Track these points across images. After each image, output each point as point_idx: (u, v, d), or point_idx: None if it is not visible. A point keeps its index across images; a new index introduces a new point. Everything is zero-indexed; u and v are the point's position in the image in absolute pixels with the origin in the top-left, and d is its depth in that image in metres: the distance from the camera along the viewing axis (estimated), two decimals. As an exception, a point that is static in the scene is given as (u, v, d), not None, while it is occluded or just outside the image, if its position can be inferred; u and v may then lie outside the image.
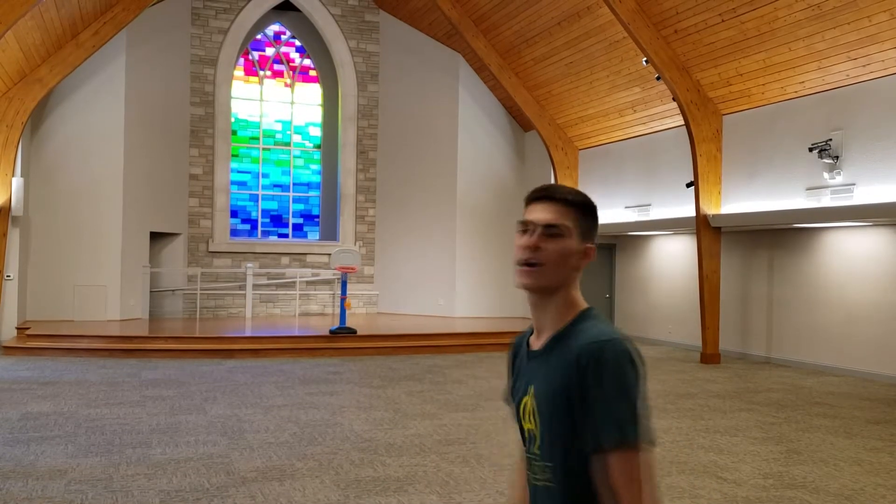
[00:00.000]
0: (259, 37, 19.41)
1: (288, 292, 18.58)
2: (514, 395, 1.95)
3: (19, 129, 13.42)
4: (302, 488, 5.78)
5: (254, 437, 7.40)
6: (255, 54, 19.43)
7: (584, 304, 1.87)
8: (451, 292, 18.36)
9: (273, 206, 19.57)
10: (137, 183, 16.25)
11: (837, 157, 11.37)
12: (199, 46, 18.00)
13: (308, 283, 18.86)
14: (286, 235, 19.58)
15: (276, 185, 19.59)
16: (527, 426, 1.87)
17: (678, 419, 8.59)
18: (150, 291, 17.00)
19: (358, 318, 17.84)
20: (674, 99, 13.32)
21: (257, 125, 19.43)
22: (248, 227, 19.32)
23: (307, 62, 19.86)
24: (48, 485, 5.75)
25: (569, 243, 1.87)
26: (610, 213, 16.34)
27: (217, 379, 10.88)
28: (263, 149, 19.48)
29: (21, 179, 13.73)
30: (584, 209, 1.96)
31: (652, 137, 15.30)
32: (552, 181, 17.34)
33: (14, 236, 13.93)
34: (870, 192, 10.92)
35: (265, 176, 19.50)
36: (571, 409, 1.72)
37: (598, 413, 1.69)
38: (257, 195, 19.41)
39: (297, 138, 19.78)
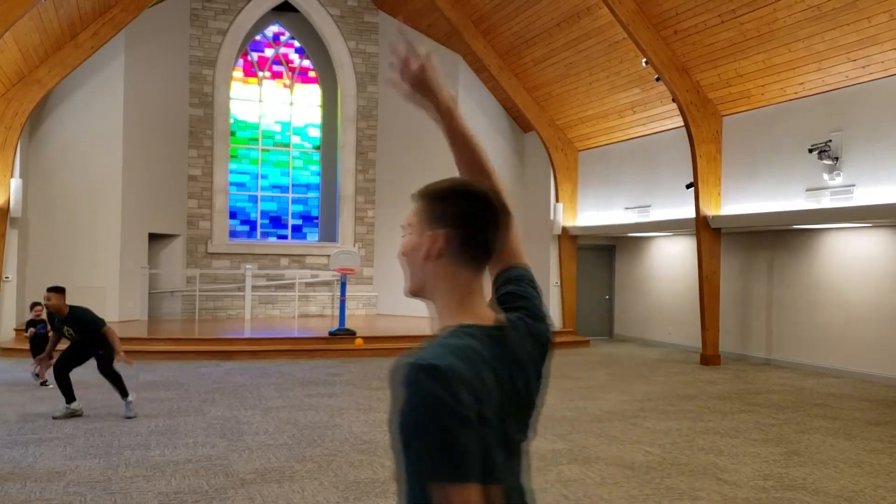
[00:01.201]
0: (258, 38, 19.40)
1: (287, 294, 18.56)
2: None
3: (18, 130, 13.41)
4: (301, 490, 5.76)
5: (253, 438, 7.39)
6: (254, 55, 19.42)
7: (463, 319, 1.63)
8: (450, 293, 18.32)
9: (272, 207, 19.56)
10: (136, 184, 16.23)
11: (837, 159, 11.36)
12: (198, 47, 17.99)
13: (307, 284, 18.84)
14: (285, 237, 19.56)
15: (275, 187, 19.58)
16: None
17: (678, 420, 8.57)
18: (149, 293, 16.98)
19: (357, 319, 17.82)
20: (673, 100, 13.31)
21: (256, 126, 19.42)
22: (247, 228, 19.30)
23: (306, 63, 19.85)
24: (47, 487, 5.73)
25: (411, 238, 1.68)
26: (609, 215, 16.33)
27: (216, 380, 10.86)
28: (262, 150, 19.46)
29: (20, 180, 13.71)
30: (429, 196, 1.70)
31: (652, 138, 15.30)
32: (552, 182, 17.34)
33: (12, 237, 13.92)
34: (869, 194, 10.91)
35: (264, 177, 19.48)
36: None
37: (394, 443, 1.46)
38: (256, 196, 19.39)
39: (296, 139, 19.77)
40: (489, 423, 1.50)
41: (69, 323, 8.30)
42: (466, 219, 1.65)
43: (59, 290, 8.26)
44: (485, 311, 1.69)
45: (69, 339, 8.47)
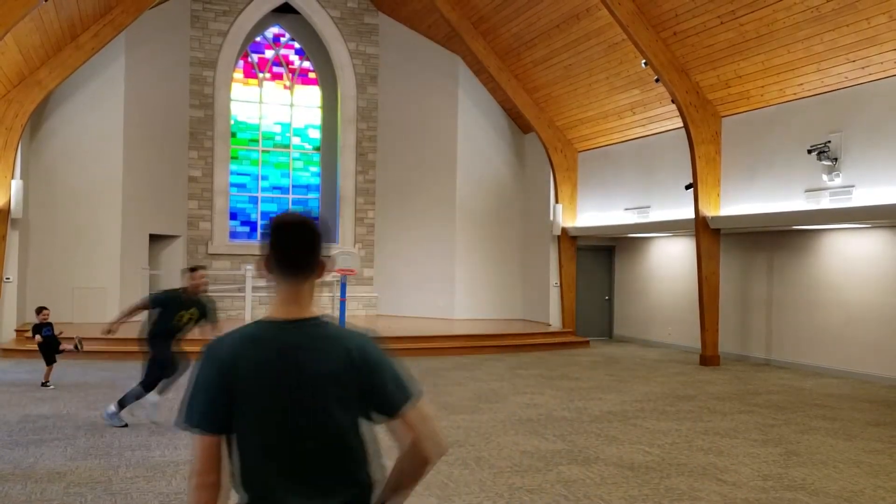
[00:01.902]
0: (258, 39, 19.42)
1: (287, 294, 18.55)
2: None
3: (19, 132, 13.42)
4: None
5: (253, 439, 7.38)
6: (255, 56, 19.44)
7: (267, 315, 2.13)
8: (450, 294, 18.35)
9: (272, 208, 19.57)
10: (137, 185, 16.25)
11: (836, 159, 11.38)
12: (199, 49, 18.01)
13: (307, 285, 18.82)
14: (285, 237, 19.54)
15: (275, 188, 19.59)
16: None
17: (678, 421, 8.59)
18: (150, 294, 16.97)
19: (357, 320, 17.83)
20: (673, 101, 13.33)
21: (256, 127, 19.43)
22: (247, 229, 19.32)
23: (306, 64, 19.87)
24: (47, 487, 5.75)
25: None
26: (609, 216, 16.35)
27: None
28: (263, 151, 19.48)
29: (20, 181, 13.72)
30: (262, 228, 2.23)
31: (651, 139, 15.31)
32: (552, 183, 17.36)
33: (13, 238, 13.92)
34: (869, 194, 10.92)
35: (264, 178, 19.50)
36: None
37: None
38: (256, 197, 19.41)
39: (296, 140, 19.78)
40: (236, 390, 2.01)
41: (198, 305, 7.76)
42: (274, 245, 2.07)
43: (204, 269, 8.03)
44: (288, 308, 2.08)
45: (183, 323, 7.74)
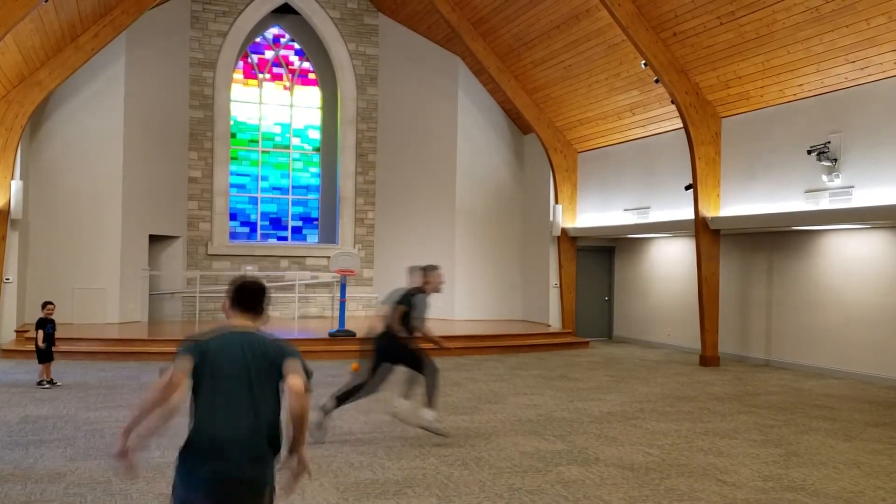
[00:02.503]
0: (258, 40, 19.43)
1: (287, 295, 18.57)
2: None
3: (18, 132, 13.43)
4: (301, 491, 5.77)
5: (253, 440, 7.38)
6: (255, 57, 19.44)
7: (227, 326, 3.56)
8: (450, 295, 18.34)
9: (272, 208, 19.57)
10: (136, 186, 16.24)
11: (836, 160, 11.38)
12: (199, 49, 18.02)
13: (307, 285, 18.85)
14: (285, 238, 19.58)
15: (275, 188, 19.59)
16: None
17: (677, 422, 8.59)
18: (150, 294, 16.99)
19: (357, 320, 17.83)
20: (672, 102, 13.33)
21: (256, 128, 19.44)
22: (247, 229, 19.32)
23: (306, 65, 19.87)
24: (47, 488, 5.75)
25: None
26: (609, 216, 16.35)
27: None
28: (263, 152, 19.48)
29: (20, 182, 13.73)
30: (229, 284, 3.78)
31: (651, 140, 15.32)
32: (551, 184, 17.36)
33: (13, 239, 13.92)
34: (868, 195, 10.93)
35: (264, 179, 19.50)
36: None
37: None
38: (256, 198, 19.41)
39: (296, 141, 19.78)
40: (206, 363, 3.35)
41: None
42: (231, 293, 3.58)
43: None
44: (235, 323, 3.54)
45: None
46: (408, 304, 7.74)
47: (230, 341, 3.44)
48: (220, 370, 3.36)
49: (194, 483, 3.28)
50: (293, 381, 3.37)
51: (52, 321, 10.54)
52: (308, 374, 3.46)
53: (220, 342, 3.43)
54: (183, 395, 3.32)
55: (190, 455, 3.31)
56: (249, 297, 3.60)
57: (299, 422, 3.40)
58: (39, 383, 10.19)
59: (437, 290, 7.94)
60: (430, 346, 7.92)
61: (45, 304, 10.73)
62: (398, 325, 7.65)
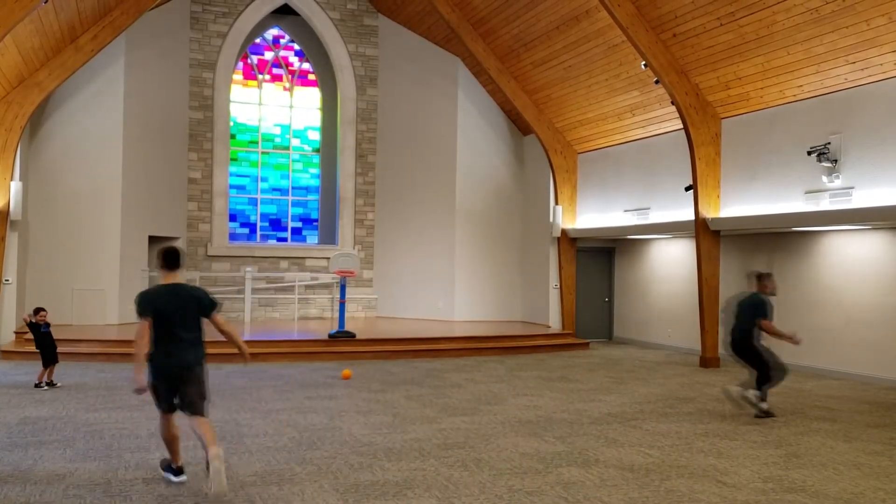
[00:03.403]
0: (258, 41, 19.43)
1: (287, 296, 18.58)
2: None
3: (18, 133, 13.42)
4: (301, 493, 5.77)
5: (252, 441, 7.39)
6: (254, 58, 19.44)
7: (160, 282, 5.88)
8: (450, 296, 18.35)
9: (272, 209, 19.57)
10: (136, 187, 16.24)
11: (836, 161, 11.38)
12: (198, 50, 18.02)
13: (307, 286, 18.85)
14: (285, 239, 19.57)
15: (274, 189, 19.59)
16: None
17: (677, 423, 8.58)
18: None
19: (357, 322, 17.83)
20: (672, 103, 13.33)
21: (256, 129, 19.44)
22: (246, 230, 19.32)
23: (306, 66, 19.87)
24: (46, 489, 5.74)
25: None
26: (609, 217, 16.35)
27: (215, 383, 10.83)
28: (262, 152, 19.48)
29: (20, 183, 13.72)
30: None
31: (651, 141, 15.31)
32: (551, 185, 17.36)
33: (12, 240, 13.92)
34: (868, 196, 10.93)
35: (264, 180, 19.50)
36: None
37: None
38: (256, 199, 19.41)
39: (296, 142, 19.79)
40: (156, 309, 5.63)
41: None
42: (159, 260, 5.87)
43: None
44: (167, 279, 5.85)
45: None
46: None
47: (167, 291, 5.79)
48: (165, 310, 5.67)
49: (161, 370, 5.73)
50: (218, 318, 5.87)
51: (47, 323, 10.51)
52: (219, 307, 5.92)
53: (162, 293, 5.76)
54: (148, 339, 5.61)
55: (157, 358, 5.69)
56: (171, 259, 5.88)
57: (231, 334, 5.98)
58: (37, 385, 10.18)
59: (772, 294, 9.12)
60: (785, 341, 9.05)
61: (37, 311, 10.67)
62: (775, 330, 9.00)
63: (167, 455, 6.07)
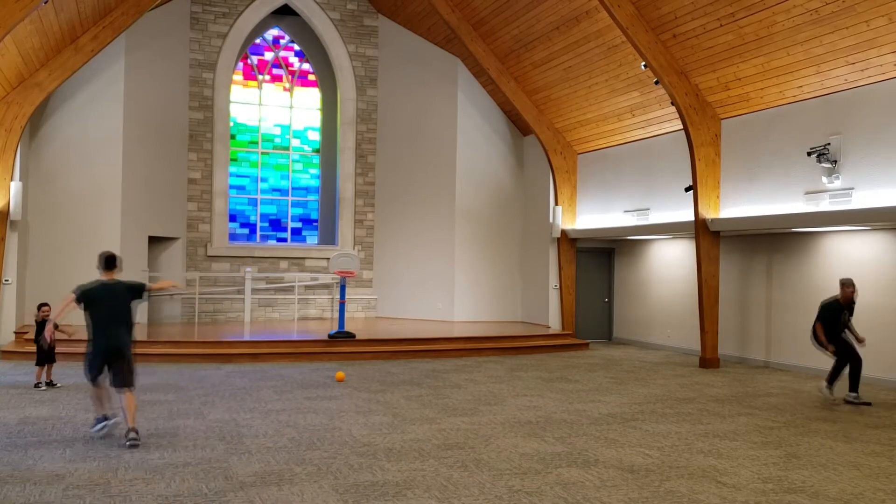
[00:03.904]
0: (258, 41, 19.43)
1: (286, 296, 18.58)
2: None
3: (18, 133, 13.42)
4: (300, 493, 5.77)
5: (252, 441, 7.39)
6: (254, 58, 19.45)
7: (99, 279, 7.52)
8: (449, 297, 18.35)
9: (272, 210, 19.57)
10: (136, 187, 16.24)
11: (836, 162, 11.38)
12: (198, 51, 18.02)
13: (307, 287, 18.85)
14: (285, 240, 19.57)
15: (274, 190, 19.60)
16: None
17: (677, 423, 8.58)
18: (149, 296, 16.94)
19: (357, 322, 17.83)
20: (672, 103, 13.33)
21: (256, 129, 19.44)
22: (246, 231, 19.32)
23: (306, 66, 19.88)
24: (46, 490, 5.74)
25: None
26: (609, 218, 16.35)
27: (215, 383, 10.86)
28: (262, 153, 19.48)
29: (20, 183, 13.72)
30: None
31: (651, 142, 15.32)
32: (551, 185, 17.37)
33: (12, 240, 13.92)
34: (868, 196, 10.93)
35: (264, 180, 19.50)
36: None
37: None
38: (256, 199, 19.41)
39: (295, 142, 19.79)
40: (93, 299, 7.25)
41: (849, 309, 10.05)
42: (99, 263, 7.47)
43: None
44: (109, 277, 7.42)
45: (842, 323, 10.00)
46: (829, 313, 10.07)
47: (101, 286, 7.32)
48: (100, 302, 7.23)
49: (99, 349, 7.23)
50: (150, 287, 7.73)
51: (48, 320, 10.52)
52: (147, 285, 7.67)
53: (95, 286, 7.29)
54: (67, 305, 7.29)
55: (97, 340, 7.24)
56: (108, 262, 7.45)
57: (162, 286, 8.27)
58: (36, 385, 10.18)
59: (849, 300, 10.04)
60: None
61: (40, 306, 10.70)
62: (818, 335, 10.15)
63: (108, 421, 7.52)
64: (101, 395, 7.47)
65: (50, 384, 10.23)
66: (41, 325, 10.46)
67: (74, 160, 15.55)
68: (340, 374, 11.42)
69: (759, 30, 11.39)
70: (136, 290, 7.48)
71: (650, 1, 12.41)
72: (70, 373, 11.38)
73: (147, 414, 8.60)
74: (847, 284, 10.04)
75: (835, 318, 10.00)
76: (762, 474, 6.51)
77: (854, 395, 10.02)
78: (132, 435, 7.01)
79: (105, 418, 7.50)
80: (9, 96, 13.36)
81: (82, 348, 13.19)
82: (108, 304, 7.23)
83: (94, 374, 7.28)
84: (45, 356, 10.29)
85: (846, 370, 10.06)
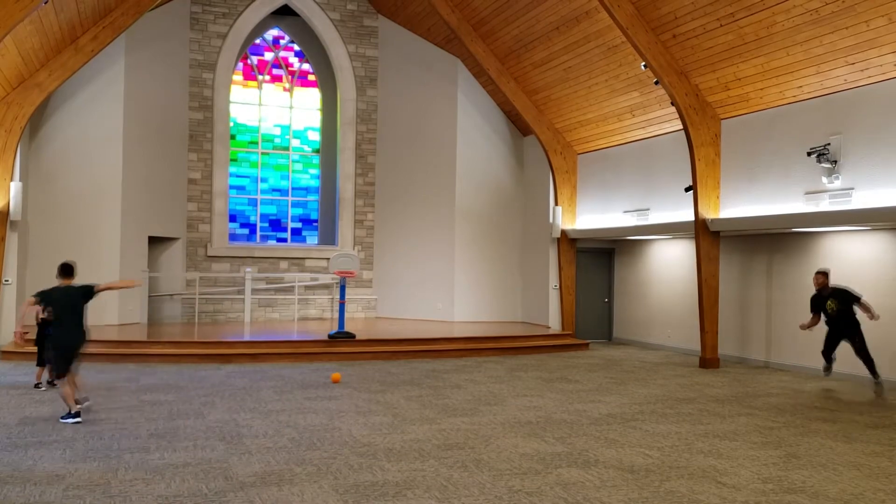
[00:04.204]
0: (258, 41, 19.44)
1: (286, 297, 18.58)
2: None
3: (18, 134, 13.43)
4: (300, 493, 5.77)
5: (252, 441, 7.39)
6: (254, 59, 19.45)
7: (58, 284, 8.55)
8: (449, 297, 18.35)
9: (272, 210, 19.57)
10: (136, 187, 16.25)
11: (836, 162, 11.39)
12: (198, 51, 18.02)
13: (307, 287, 18.85)
14: (285, 240, 19.58)
15: (274, 190, 19.60)
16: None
17: (677, 424, 8.58)
18: (149, 296, 16.98)
19: (357, 322, 17.84)
20: (672, 103, 13.33)
21: (256, 130, 19.44)
22: (246, 231, 19.32)
23: (306, 67, 19.88)
24: (46, 490, 5.74)
25: None
26: (608, 218, 16.35)
27: (215, 384, 10.86)
28: (262, 153, 19.48)
29: (20, 184, 13.72)
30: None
31: (651, 142, 15.32)
32: (551, 185, 17.37)
33: (12, 241, 13.92)
34: (868, 197, 10.93)
35: (264, 180, 19.51)
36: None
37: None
38: (256, 199, 19.41)
39: (295, 143, 19.79)
40: (52, 301, 8.36)
41: (835, 296, 10.70)
42: (58, 271, 8.58)
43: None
44: (65, 282, 8.48)
45: (832, 313, 10.73)
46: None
47: (60, 291, 8.36)
48: (59, 305, 8.29)
49: (62, 345, 8.32)
50: (100, 287, 8.53)
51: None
52: (95, 286, 8.53)
53: (55, 292, 8.33)
54: (29, 307, 8.46)
55: (59, 338, 8.36)
56: (66, 270, 8.51)
57: (111, 285, 9.39)
58: (37, 385, 10.18)
59: (818, 288, 10.94)
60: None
61: (45, 307, 10.65)
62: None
63: (67, 412, 8.24)
64: (71, 385, 8.36)
65: (51, 384, 10.23)
66: (43, 325, 10.44)
67: (74, 160, 15.55)
68: (336, 376, 11.39)
69: (758, 30, 11.39)
70: (87, 292, 8.46)
71: (650, 1, 12.41)
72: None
73: (147, 414, 8.60)
74: (817, 273, 11.00)
75: (818, 306, 10.91)
76: (762, 474, 6.51)
77: (874, 379, 10.66)
78: (84, 395, 8.72)
79: (78, 403, 8.42)
80: (9, 96, 13.37)
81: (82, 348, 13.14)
82: (66, 306, 8.33)
83: (66, 367, 8.28)
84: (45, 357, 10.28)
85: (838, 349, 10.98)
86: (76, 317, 8.40)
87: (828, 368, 11.16)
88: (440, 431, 7.98)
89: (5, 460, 6.55)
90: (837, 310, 10.68)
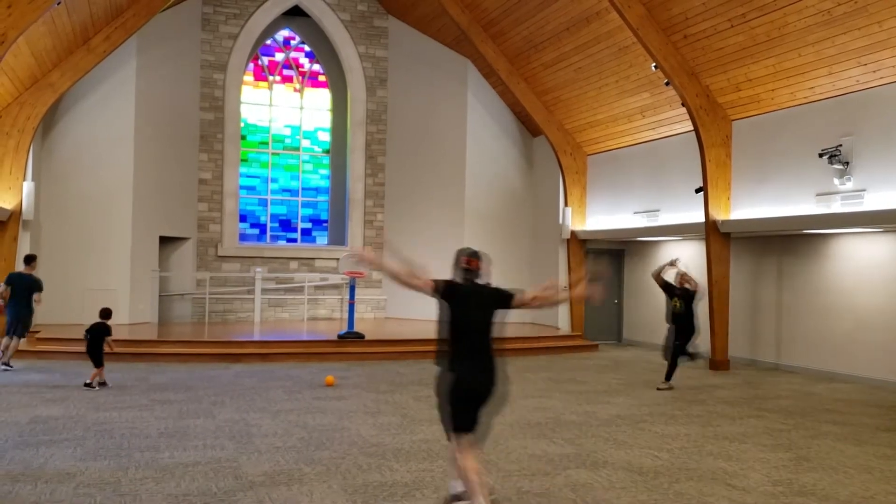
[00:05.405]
0: (269, 42, 19.49)
1: (296, 297, 18.62)
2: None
3: (30, 134, 13.52)
4: (309, 493, 5.78)
5: (261, 441, 7.42)
6: (265, 59, 19.50)
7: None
8: (459, 297, 18.32)
9: (282, 210, 19.62)
10: (147, 187, 16.32)
11: (847, 163, 11.32)
12: (209, 51, 18.09)
13: (316, 287, 18.89)
14: (295, 240, 19.62)
15: (284, 190, 19.65)
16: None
17: (687, 425, 8.56)
18: (160, 295, 17.05)
19: (366, 322, 17.85)
20: (683, 104, 13.30)
21: (266, 130, 19.50)
22: (256, 231, 19.37)
23: (316, 67, 19.92)
24: (57, 488, 5.77)
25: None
26: (618, 219, 16.31)
27: (225, 383, 10.90)
28: (272, 153, 19.54)
29: (32, 184, 13.81)
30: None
31: (661, 143, 15.28)
32: (561, 186, 17.34)
33: (25, 240, 14.00)
34: (880, 198, 10.86)
35: (274, 180, 19.56)
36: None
37: None
38: (266, 200, 19.46)
39: (306, 143, 19.83)
40: (10, 284, 11.84)
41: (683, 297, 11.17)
42: (25, 259, 12.33)
43: None
44: (23, 271, 12.02)
45: (676, 310, 11.22)
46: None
47: (19, 276, 11.73)
48: (17, 288, 11.55)
49: (20, 317, 11.70)
50: (38, 296, 11.83)
51: (104, 326, 10.58)
52: (40, 283, 11.90)
53: (14, 277, 11.71)
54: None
55: (15, 311, 11.57)
56: (28, 259, 11.86)
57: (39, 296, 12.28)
58: (88, 385, 10.18)
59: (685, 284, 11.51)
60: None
61: (108, 312, 10.95)
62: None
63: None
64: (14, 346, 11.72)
65: (102, 384, 10.27)
66: (99, 331, 10.47)
67: (86, 160, 15.63)
68: (330, 379, 11.21)
69: (770, 31, 11.34)
70: (35, 285, 11.77)
71: (661, 2, 12.38)
72: (81, 372, 11.45)
73: (157, 413, 8.64)
74: (680, 273, 11.66)
75: (669, 295, 11.58)
76: (772, 477, 6.49)
77: (665, 381, 11.16)
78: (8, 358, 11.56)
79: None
80: (22, 97, 13.46)
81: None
82: (23, 289, 11.62)
83: (21, 333, 11.83)
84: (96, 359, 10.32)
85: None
86: (27, 300, 11.70)
87: (692, 356, 11.31)
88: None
89: (17, 458, 6.60)
90: (683, 309, 11.17)
